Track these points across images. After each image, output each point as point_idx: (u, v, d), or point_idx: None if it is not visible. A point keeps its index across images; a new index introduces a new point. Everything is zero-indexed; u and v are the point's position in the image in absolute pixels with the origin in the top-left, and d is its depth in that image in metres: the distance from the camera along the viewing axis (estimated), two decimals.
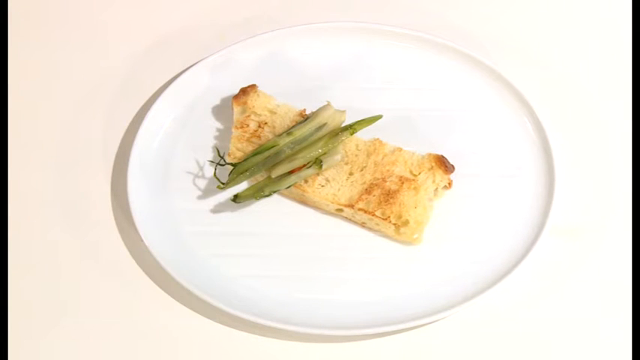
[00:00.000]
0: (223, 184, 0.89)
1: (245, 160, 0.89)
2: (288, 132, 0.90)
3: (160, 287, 0.86)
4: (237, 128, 0.94)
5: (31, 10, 1.08)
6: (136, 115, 0.98)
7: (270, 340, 0.83)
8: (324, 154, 0.90)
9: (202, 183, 0.91)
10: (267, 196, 0.88)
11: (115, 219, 0.91)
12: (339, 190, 0.90)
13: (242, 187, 0.90)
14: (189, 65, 0.99)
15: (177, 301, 0.85)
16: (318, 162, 0.89)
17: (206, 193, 0.92)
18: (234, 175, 0.89)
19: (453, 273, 0.86)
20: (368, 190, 0.89)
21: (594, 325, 0.84)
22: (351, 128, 0.90)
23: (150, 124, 0.94)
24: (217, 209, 0.91)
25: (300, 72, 1.00)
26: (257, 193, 0.88)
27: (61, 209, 0.91)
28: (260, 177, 0.91)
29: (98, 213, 0.91)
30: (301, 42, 1.01)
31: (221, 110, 0.98)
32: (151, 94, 1.00)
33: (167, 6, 1.09)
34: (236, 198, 0.88)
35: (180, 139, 0.95)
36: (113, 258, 0.88)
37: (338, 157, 0.90)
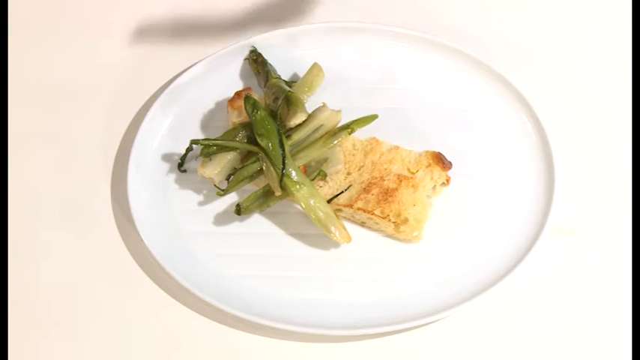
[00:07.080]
0: (222, 190, 0.89)
1: (243, 166, 0.89)
2: (286, 135, 0.89)
3: (160, 287, 0.86)
4: None
5: (31, 10, 1.08)
6: (136, 115, 0.98)
7: (270, 340, 0.83)
8: (326, 159, 0.90)
9: (202, 183, 0.91)
10: (270, 206, 0.88)
11: (115, 219, 0.91)
12: (337, 190, 0.90)
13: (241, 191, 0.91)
14: (188, 65, 0.99)
15: (178, 301, 0.85)
16: (322, 173, 0.89)
17: (206, 194, 0.92)
18: (234, 182, 0.88)
19: (453, 273, 0.86)
20: (366, 190, 0.89)
21: (594, 325, 0.84)
22: (349, 128, 0.90)
23: (150, 124, 0.94)
24: (217, 209, 0.91)
25: (297, 74, 1.00)
26: (262, 206, 0.88)
27: (61, 209, 0.92)
28: (259, 181, 0.90)
29: (98, 213, 0.91)
30: (299, 43, 1.01)
31: (221, 110, 0.98)
32: (151, 94, 1.00)
33: (167, 6, 1.09)
34: (239, 212, 0.87)
35: (180, 140, 0.95)
36: (113, 258, 0.88)
37: (340, 166, 0.90)
